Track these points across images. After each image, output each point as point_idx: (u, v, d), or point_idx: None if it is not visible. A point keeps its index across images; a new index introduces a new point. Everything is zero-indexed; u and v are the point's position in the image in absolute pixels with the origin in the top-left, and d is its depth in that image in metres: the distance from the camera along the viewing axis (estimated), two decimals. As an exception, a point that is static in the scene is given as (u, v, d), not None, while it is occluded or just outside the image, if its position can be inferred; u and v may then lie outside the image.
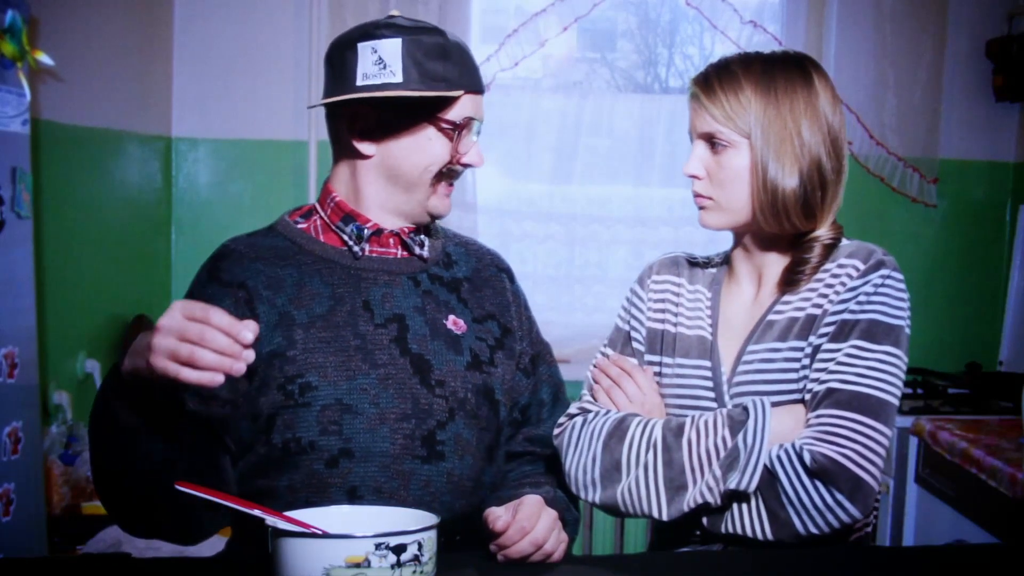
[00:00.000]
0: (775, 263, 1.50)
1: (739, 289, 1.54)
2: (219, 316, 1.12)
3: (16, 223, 2.06)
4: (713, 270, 1.59)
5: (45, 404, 2.47)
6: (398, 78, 1.42)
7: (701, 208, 1.50)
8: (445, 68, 1.43)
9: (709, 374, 1.49)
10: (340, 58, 1.47)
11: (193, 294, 1.46)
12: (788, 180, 1.41)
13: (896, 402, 1.39)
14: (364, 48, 1.43)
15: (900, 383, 1.40)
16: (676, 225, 3.59)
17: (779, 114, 1.42)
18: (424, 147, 1.46)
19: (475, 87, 1.48)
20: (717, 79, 1.45)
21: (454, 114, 1.45)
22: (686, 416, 1.47)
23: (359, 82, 1.43)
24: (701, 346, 1.51)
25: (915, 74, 3.51)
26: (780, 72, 1.44)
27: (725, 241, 1.58)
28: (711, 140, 1.45)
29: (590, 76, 3.74)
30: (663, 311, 1.57)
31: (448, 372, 1.47)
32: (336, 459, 1.39)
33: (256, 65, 3.43)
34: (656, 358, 1.56)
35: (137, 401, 1.23)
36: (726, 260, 1.59)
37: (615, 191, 3.60)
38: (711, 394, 1.48)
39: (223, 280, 1.45)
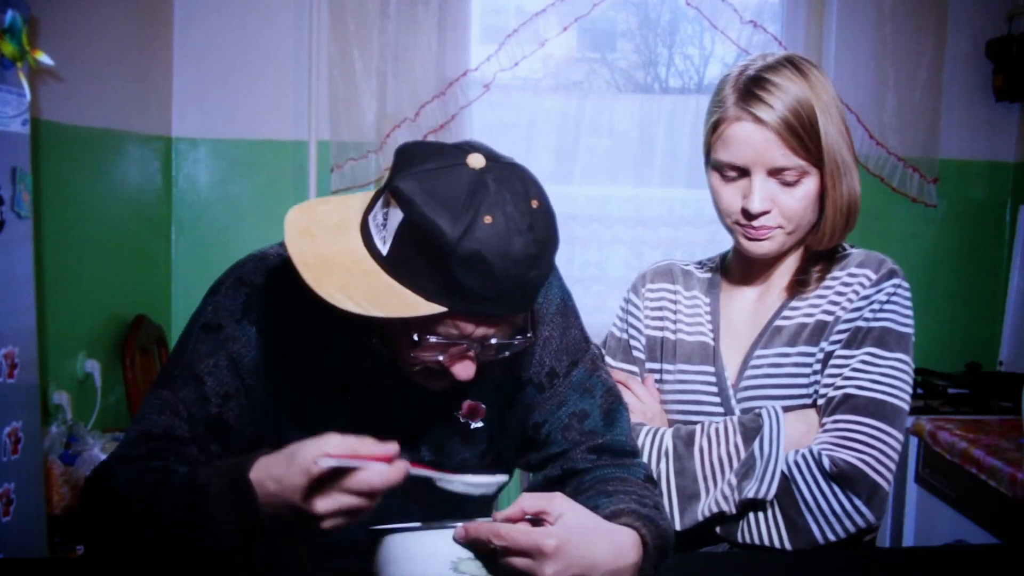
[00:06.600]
0: (782, 266, 1.49)
1: (740, 293, 1.53)
2: (368, 448, 1.00)
3: (16, 223, 2.06)
4: (708, 275, 1.58)
5: (45, 404, 2.47)
6: (385, 249, 1.06)
7: (764, 239, 1.41)
8: (447, 277, 1.02)
9: (713, 379, 1.49)
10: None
11: (222, 325, 1.23)
12: (856, 188, 1.42)
13: (907, 408, 1.40)
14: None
15: (910, 389, 1.41)
16: (676, 225, 3.58)
17: (838, 130, 1.38)
18: (397, 333, 1.11)
19: (478, 312, 1.06)
20: (786, 107, 1.34)
21: (438, 327, 1.08)
22: (691, 421, 1.46)
23: (370, 215, 1.10)
24: (703, 352, 1.51)
25: (915, 74, 3.51)
26: (818, 82, 1.38)
27: (725, 241, 1.56)
28: (781, 173, 1.38)
29: (590, 76, 3.74)
30: (661, 318, 1.57)
31: (460, 470, 1.27)
32: (330, 551, 1.28)
33: (256, 65, 3.44)
34: (656, 365, 1.56)
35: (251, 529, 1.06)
36: (721, 264, 1.58)
37: (615, 191, 3.60)
38: (716, 399, 1.47)
39: (260, 327, 1.22)
